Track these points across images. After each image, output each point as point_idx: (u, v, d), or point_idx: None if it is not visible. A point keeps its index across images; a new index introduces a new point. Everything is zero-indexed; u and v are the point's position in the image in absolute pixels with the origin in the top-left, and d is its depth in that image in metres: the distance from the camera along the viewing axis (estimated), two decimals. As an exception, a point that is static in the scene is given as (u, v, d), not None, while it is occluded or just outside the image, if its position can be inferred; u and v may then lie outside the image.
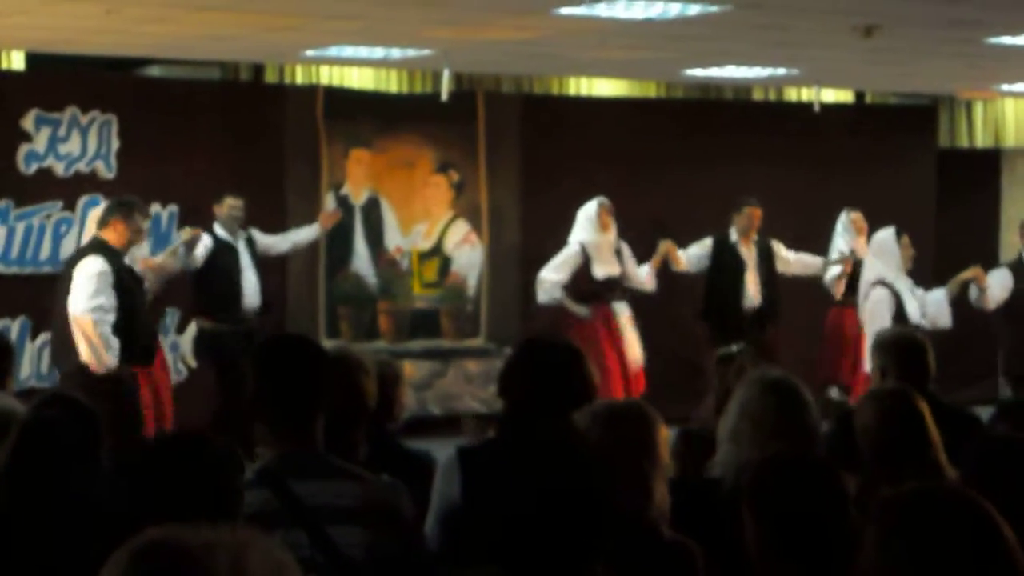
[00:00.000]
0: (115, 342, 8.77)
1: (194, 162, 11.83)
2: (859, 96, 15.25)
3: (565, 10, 9.57)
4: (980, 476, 3.56)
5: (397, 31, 10.58)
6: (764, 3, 9.34)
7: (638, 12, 9.64)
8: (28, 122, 11.46)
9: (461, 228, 13.13)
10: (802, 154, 14.03)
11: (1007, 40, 10.86)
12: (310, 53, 11.91)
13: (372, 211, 12.82)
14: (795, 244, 12.42)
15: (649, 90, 14.28)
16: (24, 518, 3.88)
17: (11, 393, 6.30)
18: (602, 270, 11.81)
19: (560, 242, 11.96)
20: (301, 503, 3.63)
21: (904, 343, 5.90)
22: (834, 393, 11.63)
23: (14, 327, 11.25)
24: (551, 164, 13.07)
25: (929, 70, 12.87)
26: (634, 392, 11.41)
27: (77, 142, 11.60)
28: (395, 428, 5.22)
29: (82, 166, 11.62)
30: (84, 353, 8.78)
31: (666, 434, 4.04)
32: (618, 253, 11.96)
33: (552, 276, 11.80)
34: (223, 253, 10.94)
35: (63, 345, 9.00)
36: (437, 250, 13.06)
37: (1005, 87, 14.48)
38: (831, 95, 14.65)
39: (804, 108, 14.13)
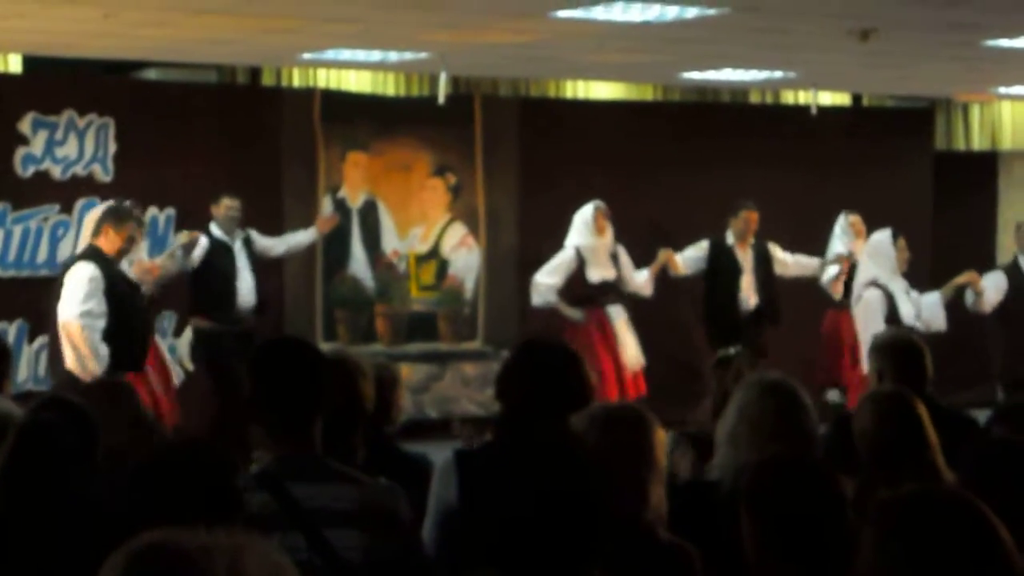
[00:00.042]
0: (104, 349, 8.68)
1: (191, 165, 11.82)
2: (856, 99, 15.26)
3: (562, 13, 9.57)
4: (977, 479, 3.56)
5: (394, 34, 10.58)
6: (761, 6, 9.35)
7: (635, 15, 9.64)
8: (25, 125, 11.45)
9: (458, 231, 13.13)
10: (799, 156, 14.03)
11: (1004, 43, 10.86)
12: (307, 56, 11.90)
13: (369, 214, 12.82)
14: (792, 246, 12.43)
15: (646, 93, 14.28)
16: (21, 521, 3.88)
17: (8, 396, 6.30)
18: (596, 274, 11.83)
19: (557, 245, 11.98)
20: (299, 506, 3.63)
21: (901, 346, 5.90)
22: (833, 396, 11.63)
23: (11, 330, 11.24)
24: (548, 167, 13.07)
25: (926, 73, 12.87)
26: (633, 395, 11.42)
27: (74, 145, 11.59)
28: (392, 431, 5.23)
29: (79, 169, 11.61)
30: (69, 360, 8.72)
31: (663, 437, 4.03)
32: (614, 257, 11.99)
33: (546, 280, 11.82)
34: (219, 253, 10.96)
35: (56, 354, 8.98)
36: (434, 253, 13.06)
37: (1002, 90, 14.49)
38: (828, 98, 14.65)
39: (801, 111, 14.13)
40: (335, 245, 12.52)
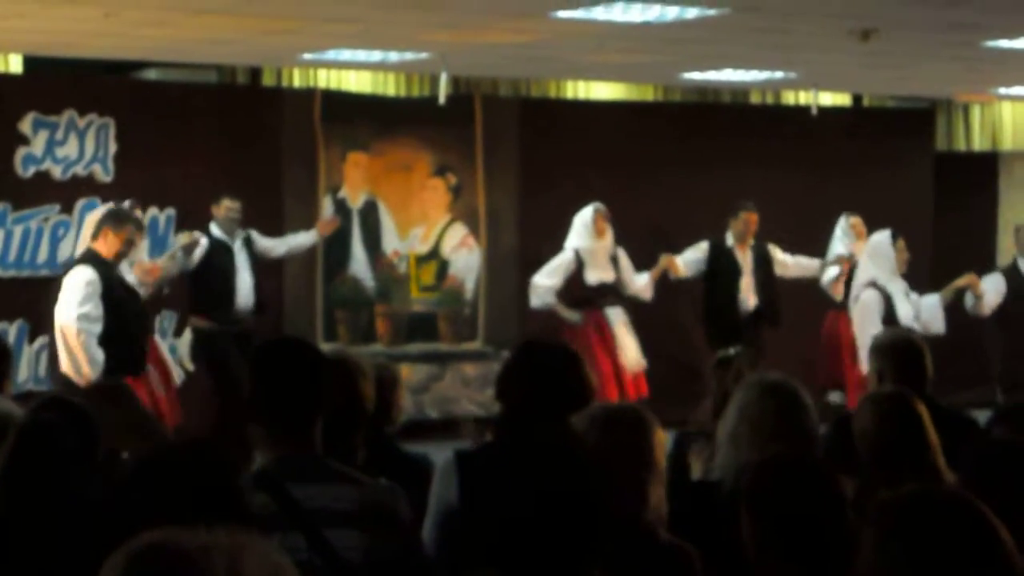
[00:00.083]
0: (100, 354, 8.62)
1: (191, 165, 11.83)
2: (856, 99, 15.26)
3: (563, 13, 9.57)
4: (978, 479, 3.56)
5: (395, 34, 10.58)
6: (761, 6, 9.34)
7: (635, 15, 9.64)
8: (26, 125, 11.46)
9: (459, 231, 13.13)
10: (799, 157, 14.03)
11: (1004, 43, 10.86)
12: (307, 56, 11.90)
13: (370, 214, 12.82)
14: (793, 246, 12.43)
15: (647, 93, 14.28)
16: (22, 521, 3.88)
17: (9, 396, 6.29)
18: (595, 276, 11.84)
19: (558, 245, 11.99)
20: (299, 506, 3.63)
21: (901, 346, 5.89)
22: (834, 397, 11.63)
23: (12, 330, 11.24)
24: (549, 167, 13.07)
25: (926, 73, 12.87)
26: (634, 396, 11.42)
27: (75, 145, 11.60)
28: (392, 432, 5.23)
29: (79, 169, 11.62)
30: (65, 364, 8.70)
31: (663, 437, 4.03)
32: (614, 259, 11.99)
33: (545, 281, 11.84)
34: (219, 253, 10.98)
35: (56, 357, 8.96)
36: (435, 253, 13.06)
37: (1002, 90, 14.49)
38: (828, 98, 14.65)
39: (801, 111, 14.13)
40: (335, 245, 12.52)
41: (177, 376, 10.48)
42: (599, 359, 11.34)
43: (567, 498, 3.04)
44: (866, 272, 10.46)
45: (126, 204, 9.99)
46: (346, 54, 11.75)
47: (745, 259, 12.15)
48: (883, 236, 10.58)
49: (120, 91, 12.06)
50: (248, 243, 11.24)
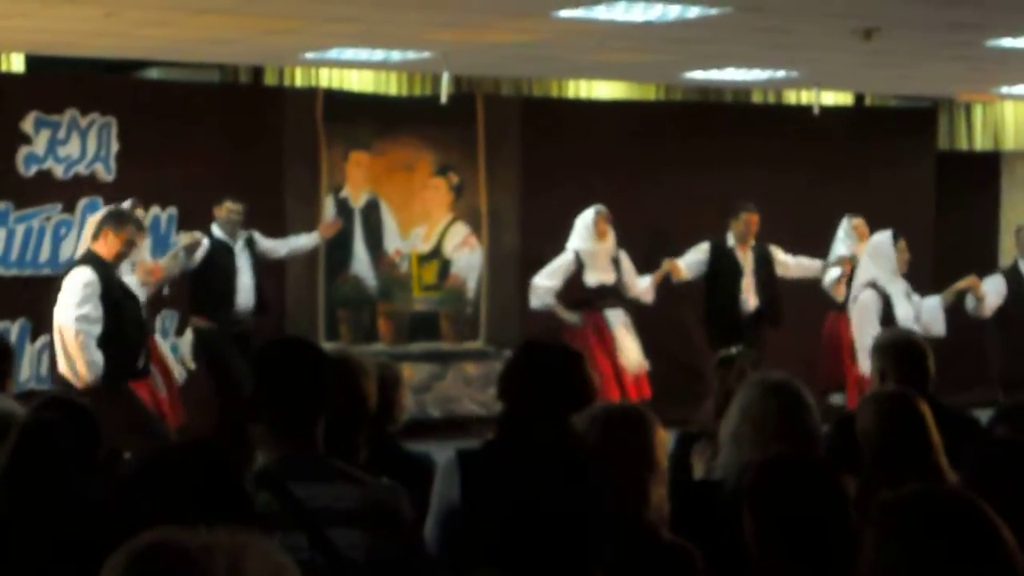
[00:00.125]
0: (98, 356, 8.55)
1: (193, 165, 11.83)
2: (859, 99, 15.25)
3: (564, 13, 9.57)
4: (980, 479, 3.55)
5: (396, 33, 10.58)
6: (763, 6, 9.34)
7: (637, 15, 9.64)
8: (28, 124, 11.46)
9: (460, 231, 13.13)
10: (801, 156, 14.03)
11: (1006, 42, 10.86)
12: (309, 56, 11.91)
13: (371, 214, 12.82)
14: (795, 245, 12.42)
15: (649, 93, 14.28)
16: (23, 520, 3.88)
17: (11, 395, 6.30)
18: (595, 278, 11.84)
19: (559, 245, 11.98)
20: (301, 506, 3.63)
21: (903, 345, 5.89)
22: (836, 399, 11.62)
23: (14, 329, 11.25)
24: (550, 167, 13.07)
25: (928, 73, 12.87)
26: (635, 397, 11.42)
27: (76, 144, 11.60)
28: (395, 431, 5.23)
29: (81, 168, 11.62)
30: (62, 365, 8.68)
31: (664, 437, 4.03)
32: (615, 262, 11.99)
33: (545, 283, 11.84)
34: (219, 254, 10.99)
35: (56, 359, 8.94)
36: (436, 253, 13.06)
37: (1004, 90, 14.48)
38: (830, 98, 14.65)
39: (803, 111, 14.13)
40: (337, 245, 12.52)
41: (179, 375, 10.49)
42: (598, 361, 11.33)
43: (569, 497, 3.03)
44: (866, 272, 10.45)
45: (127, 203, 9.98)
46: (348, 53, 11.75)
47: (746, 260, 12.15)
48: (884, 236, 10.57)
49: (122, 90, 12.07)
50: (250, 244, 11.25)
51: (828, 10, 9.44)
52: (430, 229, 13.03)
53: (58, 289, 8.91)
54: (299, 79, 12.94)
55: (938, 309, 10.57)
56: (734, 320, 11.91)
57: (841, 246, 12.42)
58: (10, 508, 3.93)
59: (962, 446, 4.10)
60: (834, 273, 12.22)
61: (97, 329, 8.61)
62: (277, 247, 11.70)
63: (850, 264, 11.90)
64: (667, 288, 12.22)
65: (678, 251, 12.28)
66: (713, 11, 9.46)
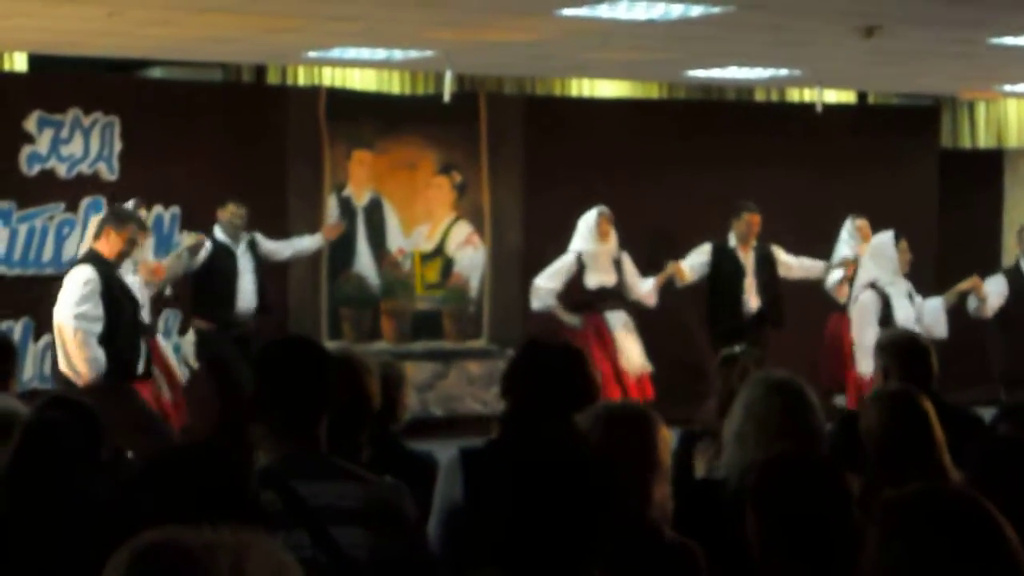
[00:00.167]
0: (100, 353, 8.55)
1: (196, 163, 11.83)
2: (861, 97, 15.24)
3: (567, 11, 9.56)
4: (983, 476, 3.55)
5: (399, 32, 10.57)
6: (766, 4, 9.34)
7: (640, 13, 9.63)
8: (31, 124, 11.46)
9: (463, 229, 13.13)
10: (804, 155, 14.02)
11: (1009, 40, 10.85)
12: (312, 54, 11.91)
13: (374, 212, 12.82)
14: (798, 244, 12.41)
15: (651, 91, 14.27)
16: (27, 519, 3.88)
17: (14, 394, 6.30)
18: (595, 280, 11.84)
19: (562, 243, 11.98)
20: (304, 504, 3.63)
21: (907, 344, 5.89)
22: (839, 400, 11.60)
23: (17, 328, 11.25)
24: (553, 165, 13.07)
25: (931, 70, 12.86)
26: (638, 399, 11.41)
27: (79, 144, 11.60)
28: (397, 429, 5.23)
29: (84, 168, 11.62)
30: (62, 363, 8.67)
31: (667, 436, 4.03)
32: (617, 263, 11.97)
33: (546, 284, 11.84)
34: (221, 257, 11.00)
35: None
36: (439, 251, 13.05)
37: (1007, 87, 14.47)
38: (833, 96, 14.64)
39: (806, 109, 14.12)
40: (340, 244, 12.52)
41: (181, 377, 10.47)
42: (598, 363, 11.32)
43: (571, 496, 3.03)
44: (867, 273, 10.44)
45: (131, 203, 10.00)
46: (351, 52, 11.75)
47: (748, 260, 12.13)
48: (886, 237, 10.56)
49: (125, 89, 12.07)
50: (252, 247, 11.25)
51: (830, 8, 9.43)
52: (433, 228, 13.03)
53: (61, 288, 8.92)
54: (302, 78, 12.94)
55: (940, 311, 10.56)
56: (736, 321, 11.89)
57: (845, 247, 12.40)
58: (13, 507, 3.93)
59: (966, 444, 4.10)
60: (837, 275, 12.19)
61: (97, 327, 8.60)
62: (280, 249, 11.70)
63: (853, 266, 11.88)
64: (669, 289, 12.21)
65: (681, 251, 12.28)
66: (716, 9, 9.46)
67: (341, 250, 12.60)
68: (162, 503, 3.17)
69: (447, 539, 4.26)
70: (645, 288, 12.03)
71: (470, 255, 13.14)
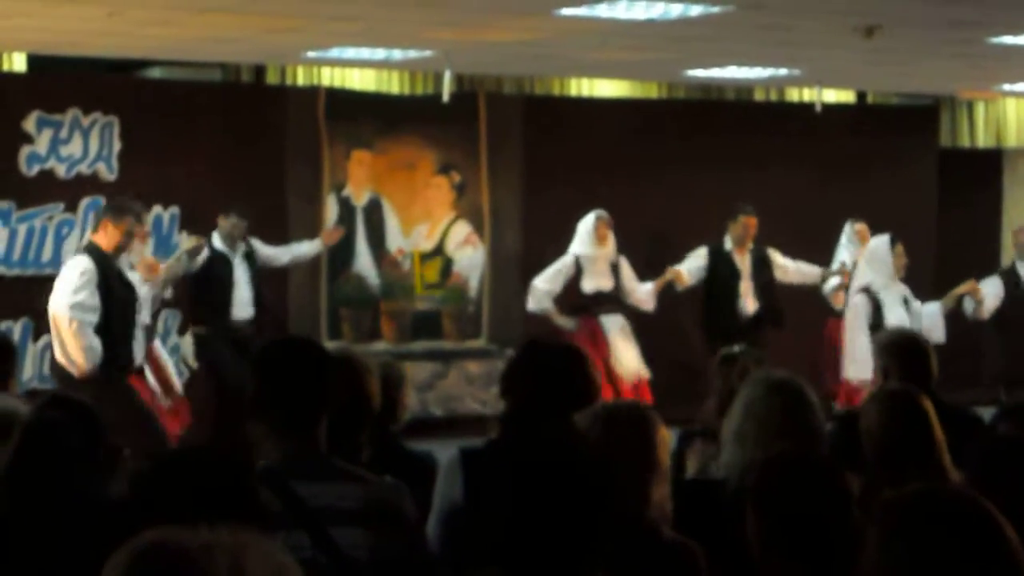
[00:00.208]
0: (96, 342, 8.53)
1: (195, 163, 11.83)
2: (860, 96, 15.25)
3: (566, 11, 9.56)
4: (983, 476, 3.55)
5: (398, 32, 10.58)
6: (765, 4, 9.34)
7: (639, 13, 9.63)
8: (30, 124, 11.46)
9: (463, 229, 13.13)
10: (803, 154, 14.03)
11: (1008, 40, 10.85)
12: (311, 54, 11.91)
13: (374, 212, 12.82)
14: (797, 245, 12.40)
15: (651, 91, 14.28)
16: (26, 519, 3.88)
17: (14, 394, 6.29)
18: (592, 283, 11.83)
19: (562, 243, 11.98)
20: (304, 504, 3.63)
21: (906, 344, 5.89)
22: (837, 408, 11.59)
23: (16, 328, 11.25)
24: (552, 165, 13.07)
25: (930, 70, 12.86)
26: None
27: (79, 144, 11.60)
28: (397, 430, 5.23)
29: (84, 168, 11.62)
30: (58, 353, 8.65)
31: (667, 436, 4.03)
32: (615, 267, 11.96)
33: (544, 286, 11.84)
34: (218, 264, 10.99)
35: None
36: (439, 251, 13.06)
37: (1006, 87, 14.48)
38: (832, 95, 14.64)
39: (805, 108, 14.12)
40: (340, 244, 12.51)
41: (177, 384, 10.40)
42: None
43: (571, 496, 3.03)
44: (863, 277, 10.42)
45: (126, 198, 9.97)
46: (350, 52, 11.75)
47: (744, 263, 12.09)
48: (881, 241, 10.53)
49: (124, 90, 12.07)
50: (248, 256, 11.22)
51: (830, 8, 9.43)
52: (432, 228, 13.03)
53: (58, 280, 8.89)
54: (301, 78, 12.95)
55: (938, 315, 10.54)
56: (733, 324, 11.85)
57: (844, 251, 12.38)
58: (13, 507, 3.93)
59: (965, 444, 4.10)
60: (833, 282, 12.17)
61: (93, 317, 8.56)
62: (279, 255, 11.69)
63: (849, 273, 11.83)
64: (666, 293, 12.19)
65: (679, 252, 12.25)
66: (715, 9, 9.46)
67: (340, 250, 12.60)
68: (163, 504, 3.17)
69: (447, 539, 4.26)
70: (643, 292, 12.00)
71: (469, 255, 13.14)
